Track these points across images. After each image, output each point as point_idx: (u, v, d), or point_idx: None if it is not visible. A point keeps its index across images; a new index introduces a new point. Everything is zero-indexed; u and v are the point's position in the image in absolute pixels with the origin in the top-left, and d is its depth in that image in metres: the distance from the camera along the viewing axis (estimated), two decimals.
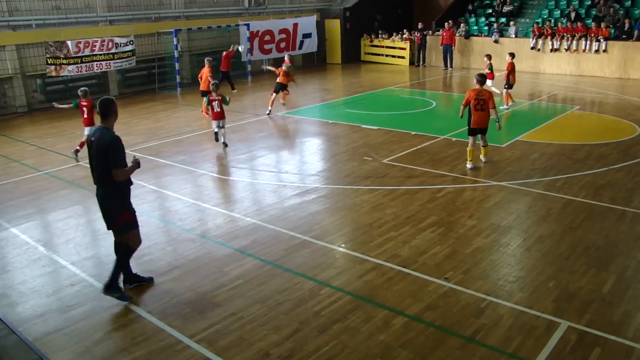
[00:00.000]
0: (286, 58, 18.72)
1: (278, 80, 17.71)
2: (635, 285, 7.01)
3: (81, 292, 7.24)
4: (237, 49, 21.91)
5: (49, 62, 19.06)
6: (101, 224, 9.41)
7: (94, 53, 20.05)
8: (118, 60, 20.88)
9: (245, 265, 7.80)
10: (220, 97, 13.58)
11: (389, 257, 7.86)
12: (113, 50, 20.60)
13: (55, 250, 8.49)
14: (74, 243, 8.72)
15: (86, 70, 20.08)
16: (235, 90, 21.35)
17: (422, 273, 7.39)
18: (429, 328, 6.19)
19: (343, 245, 8.43)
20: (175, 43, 22.09)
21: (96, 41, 20.04)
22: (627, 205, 9.53)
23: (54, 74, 19.35)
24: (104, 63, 20.42)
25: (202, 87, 17.67)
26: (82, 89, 12.98)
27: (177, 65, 22.52)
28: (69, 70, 19.55)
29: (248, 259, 7.95)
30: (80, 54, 19.61)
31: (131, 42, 21.15)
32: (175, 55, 22.37)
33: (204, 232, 8.98)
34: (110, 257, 8.17)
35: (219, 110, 13.57)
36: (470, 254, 7.93)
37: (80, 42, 19.57)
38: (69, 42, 19.23)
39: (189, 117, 17.89)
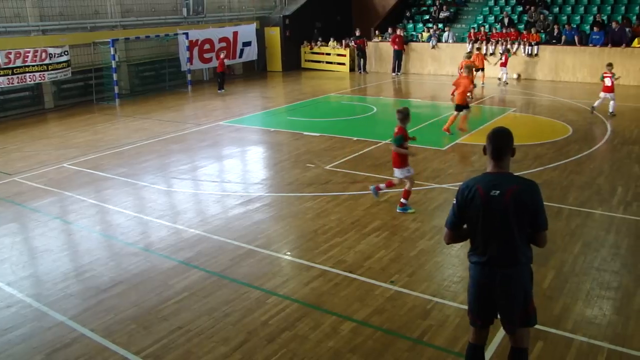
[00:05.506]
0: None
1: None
2: (573, 279, 7.26)
3: (19, 313, 6.94)
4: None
5: None
6: (39, 241, 9.21)
7: (27, 64, 19.35)
8: (52, 72, 20.19)
9: (190, 277, 7.67)
10: (611, 74, 15.80)
11: (335, 263, 7.88)
12: (47, 61, 19.89)
13: None
14: (9, 262, 8.36)
15: (18, 82, 19.35)
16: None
17: (368, 277, 7.44)
18: (377, 332, 6.23)
19: (288, 253, 8.41)
20: (112, 53, 21.56)
21: (28, 52, 19.33)
22: (563, 202, 9.86)
23: None
24: (37, 74, 19.72)
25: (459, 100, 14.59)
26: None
27: (115, 76, 21.97)
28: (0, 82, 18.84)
29: (193, 270, 7.83)
30: (11, 65, 18.88)
31: (66, 53, 20.53)
32: (113, 66, 21.85)
33: (147, 246, 8.79)
34: (50, 275, 7.92)
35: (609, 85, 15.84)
36: (414, 256, 8.03)
37: (10, 53, 18.83)
38: None
39: (129, 129, 17.49)
